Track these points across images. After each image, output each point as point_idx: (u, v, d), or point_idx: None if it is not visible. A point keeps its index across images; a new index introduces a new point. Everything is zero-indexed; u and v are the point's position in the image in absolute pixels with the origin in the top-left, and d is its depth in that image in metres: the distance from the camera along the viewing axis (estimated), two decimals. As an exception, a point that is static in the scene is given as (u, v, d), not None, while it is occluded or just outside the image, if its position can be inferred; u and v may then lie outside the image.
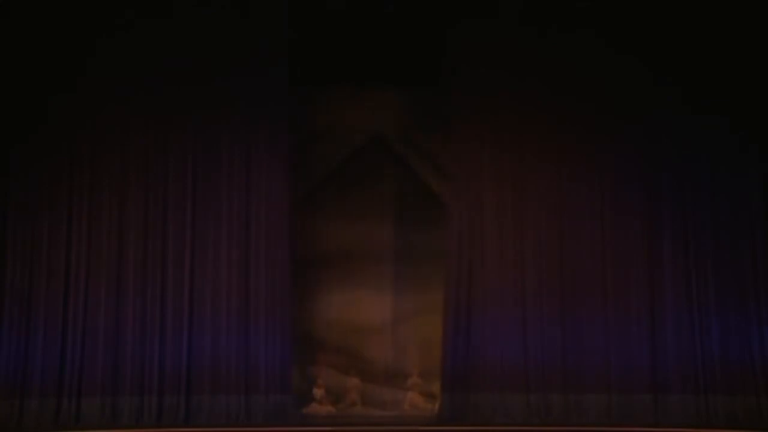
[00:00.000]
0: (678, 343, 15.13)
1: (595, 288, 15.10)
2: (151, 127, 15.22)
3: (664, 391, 14.97)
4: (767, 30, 14.96)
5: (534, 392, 14.89)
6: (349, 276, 16.68)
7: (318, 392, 16.32)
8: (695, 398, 14.99)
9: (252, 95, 15.25)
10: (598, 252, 15.15)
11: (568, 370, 14.91)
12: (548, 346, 14.99)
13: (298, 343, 16.34)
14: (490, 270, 15.23)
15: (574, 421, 14.56)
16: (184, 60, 15.20)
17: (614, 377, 14.94)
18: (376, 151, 16.82)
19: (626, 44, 15.31)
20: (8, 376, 14.57)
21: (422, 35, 15.60)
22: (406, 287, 16.70)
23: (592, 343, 14.96)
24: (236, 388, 14.76)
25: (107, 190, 15.17)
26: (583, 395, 14.89)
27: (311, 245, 16.69)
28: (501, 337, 15.06)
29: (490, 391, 14.93)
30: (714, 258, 15.29)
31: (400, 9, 15.47)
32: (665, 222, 15.44)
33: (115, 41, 15.14)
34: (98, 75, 15.20)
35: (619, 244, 15.24)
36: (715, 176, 15.43)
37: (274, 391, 14.87)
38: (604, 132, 15.50)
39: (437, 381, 16.26)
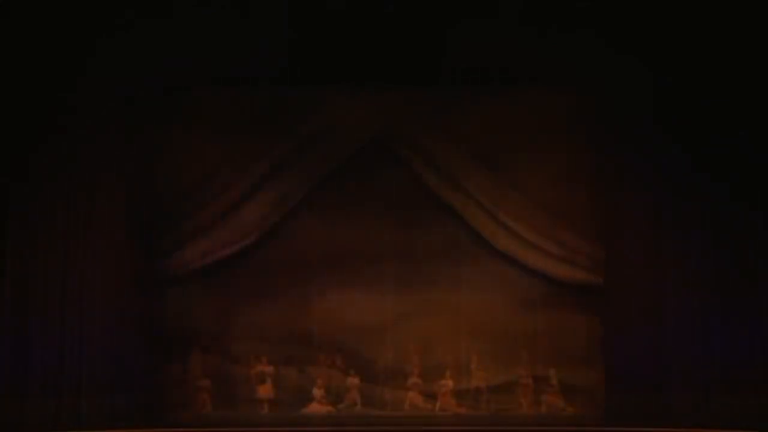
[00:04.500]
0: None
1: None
2: None
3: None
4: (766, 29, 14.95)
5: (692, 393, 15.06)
6: (349, 276, 16.66)
7: (318, 392, 16.33)
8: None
9: (91, 108, 15.41)
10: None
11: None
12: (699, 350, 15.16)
13: (296, 343, 16.48)
14: (645, 280, 15.47)
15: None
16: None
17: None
18: (376, 151, 16.79)
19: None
20: (8, 376, 14.59)
21: (422, 35, 15.56)
22: (406, 287, 16.66)
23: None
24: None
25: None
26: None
27: (311, 245, 16.69)
28: (662, 341, 15.25)
29: (653, 393, 15.10)
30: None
31: (400, 9, 15.42)
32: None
33: (115, 42, 15.19)
34: (98, 76, 15.31)
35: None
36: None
37: (112, 392, 15.07)
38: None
39: (437, 381, 16.38)
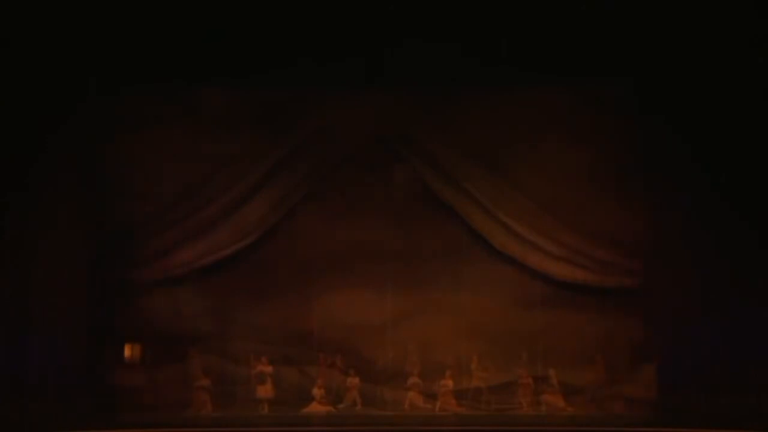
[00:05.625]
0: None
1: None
2: None
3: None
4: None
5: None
6: (349, 276, 16.67)
7: (318, 392, 16.34)
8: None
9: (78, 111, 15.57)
10: None
11: None
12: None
13: (296, 343, 16.50)
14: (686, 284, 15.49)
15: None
16: None
17: None
18: (376, 151, 16.81)
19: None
20: (8, 376, 14.62)
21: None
22: (406, 287, 16.68)
23: None
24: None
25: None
26: None
27: (311, 245, 16.70)
28: (709, 343, 15.25)
29: (704, 394, 15.12)
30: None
31: (400, 10, 15.42)
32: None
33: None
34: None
35: None
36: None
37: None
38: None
39: (437, 381, 16.38)
